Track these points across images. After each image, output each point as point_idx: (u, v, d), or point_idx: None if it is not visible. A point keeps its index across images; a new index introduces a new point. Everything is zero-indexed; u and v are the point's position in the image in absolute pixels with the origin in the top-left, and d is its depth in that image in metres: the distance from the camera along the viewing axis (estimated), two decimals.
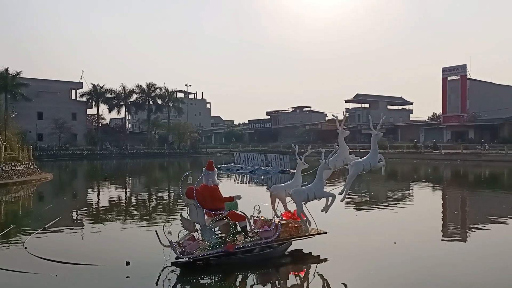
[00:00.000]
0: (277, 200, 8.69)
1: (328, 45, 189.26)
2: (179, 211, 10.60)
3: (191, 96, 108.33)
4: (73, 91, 75.02)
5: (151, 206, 16.75)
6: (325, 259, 7.92)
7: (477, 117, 62.73)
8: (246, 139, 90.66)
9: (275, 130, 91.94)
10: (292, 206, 8.51)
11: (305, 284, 7.07)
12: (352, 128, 62.10)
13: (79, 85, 74.29)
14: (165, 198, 19.66)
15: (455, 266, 7.73)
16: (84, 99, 73.47)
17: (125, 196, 20.17)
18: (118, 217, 13.93)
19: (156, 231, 7.66)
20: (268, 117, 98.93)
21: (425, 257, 8.19)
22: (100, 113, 76.66)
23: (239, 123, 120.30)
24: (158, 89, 74.81)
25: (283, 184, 9.05)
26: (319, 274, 7.33)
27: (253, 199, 8.65)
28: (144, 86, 73.83)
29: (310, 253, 8.23)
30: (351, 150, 9.48)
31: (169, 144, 73.94)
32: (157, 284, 6.72)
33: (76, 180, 32.06)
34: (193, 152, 70.44)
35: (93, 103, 73.45)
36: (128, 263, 7.38)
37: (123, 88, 72.23)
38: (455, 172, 34.27)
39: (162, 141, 77.78)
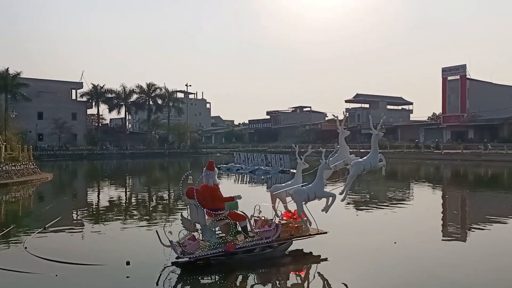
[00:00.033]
0: (278, 200, 8.70)
1: (328, 45, 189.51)
2: (179, 211, 10.59)
3: (191, 96, 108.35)
4: (73, 91, 75.04)
5: (151, 206, 16.75)
6: (326, 259, 7.93)
7: (477, 117, 62.75)
8: (246, 139, 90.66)
9: (275, 130, 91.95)
10: (292, 206, 8.51)
11: (305, 284, 7.07)
12: (352, 128, 62.07)
13: (79, 85, 74.31)
14: (165, 198, 19.67)
15: (455, 266, 7.73)
16: (84, 99, 73.48)
17: (125, 196, 20.17)
18: (118, 217, 13.94)
19: (156, 231, 7.67)
20: (268, 117, 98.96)
21: (425, 257, 8.19)
22: (100, 113, 76.72)
23: (239, 123, 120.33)
24: (158, 89, 74.88)
25: (283, 184, 9.05)
26: (319, 274, 7.34)
27: (253, 199, 8.65)
28: (144, 86, 73.95)
29: (311, 253, 8.23)
30: (351, 150, 9.48)
31: (169, 144, 73.95)
32: (157, 284, 6.72)
33: (76, 180, 32.06)
34: (193, 152, 70.47)
35: (93, 103, 73.45)
36: (128, 263, 7.38)
37: (123, 88, 72.34)
38: (455, 172, 34.27)
39: (162, 141, 77.80)
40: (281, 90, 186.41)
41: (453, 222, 12.85)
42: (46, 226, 10.89)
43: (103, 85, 71.84)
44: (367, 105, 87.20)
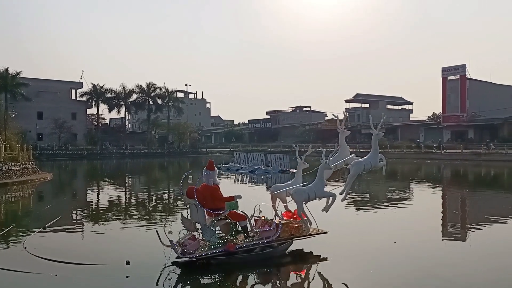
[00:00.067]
0: (278, 199, 8.69)
1: (328, 45, 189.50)
2: (180, 210, 10.59)
3: (191, 96, 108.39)
4: (73, 91, 75.03)
5: (151, 206, 16.73)
6: (326, 259, 7.92)
7: (477, 117, 62.77)
8: (246, 139, 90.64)
9: (275, 130, 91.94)
10: (292, 206, 8.50)
11: (305, 284, 7.06)
12: (352, 128, 62.07)
13: (79, 85, 74.29)
14: (165, 198, 19.66)
15: (455, 266, 7.73)
16: (84, 99, 73.48)
17: (125, 196, 20.17)
18: (118, 217, 13.93)
19: (156, 231, 7.67)
20: (268, 117, 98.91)
21: (425, 257, 8.18)
22: (100, 113, 76.84)
23: (239, 123, 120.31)
24: (158, 89, 74.91)
25: (283, 184, 9.05)
26: (319, 274, 7.33)
27: (253, 199, 8.64)
28: (144, 86, 73.96)
29: (311, 252, 8.23)
30: (351, 150, 9.47)
31: (169, 144, 73.95)
32: (157, 283, 6.71)
33: (76, 180, 32.04)
34: (193, 152, 70.49)
35: (93, 103, 73.49)
36: (128, 263, 7.37)
37: (123, 88, 72.38)
38: (455, 172, 34.27)
39: (162, 141, 77.79)
40: (281, 90, 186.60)
41: (453, 222, 12.84)
42: (46, 226, 10.88)
43: (103, 85, 72.02)
44: (367, 105, 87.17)
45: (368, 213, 13.78)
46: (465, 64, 63.58)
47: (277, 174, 28.57)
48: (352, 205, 14.84)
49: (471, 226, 11.70)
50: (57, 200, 18.65)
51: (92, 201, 18.27)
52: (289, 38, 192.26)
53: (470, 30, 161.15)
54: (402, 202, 16.69)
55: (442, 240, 10.18)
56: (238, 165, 33.70)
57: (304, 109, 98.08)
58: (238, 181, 26.29)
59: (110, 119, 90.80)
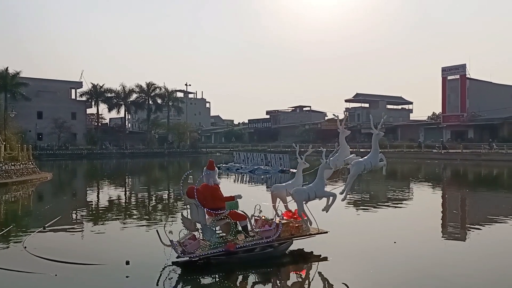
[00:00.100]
0: (278, 199, 8.69)
1: (328, 45, 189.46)
2: (180, 210, 10.59)
3: (190, 95, 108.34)
4: (73, 90, 75.00)
5: (151, 206, 16.73)
6: (326, 259, 7.92)
7: (477, 116, 62.78)
8: (246, 139, 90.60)
9: (274, 129, 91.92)
10: (293, 206, 8.50)
11: (305, 284, 7.06)
12: (352, 128, 62.09)
13: (79, 84, 74.26)
14: (165, 197, 19.65)
15: (455, 266, 7.72)
16: (83, 98, 73.47)
17: (125, 195, 20.16)
18: (118, 217, 13.93)
19: (157, 230, 7.67)
20: (268, 116, 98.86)
21: (425, 257, 8.19)
22: (99, 113, 76.82)
23: (239, 123, 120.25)
24: (157, 89, 74.90)
25: (284, 184, 9.05)
26: (319, 274, 7.33)
27: (253, 199, 8.65)
28: (144, 86, 73.97)
29: (311, 252, 8.23)
30: (351, 150, 9.47)
31: (168, 144, 73.93)
32: (157, 283, 6.70)
33: (75, 179, 32.03)
34: (192, 151, 70.48)
35: (93, 103, 73.50)
36: (127, 263, 7.37)
37: (123, 87, 72.39)
38: (455, 172, 34.28)
39: (161, 140, 77.78)
40: (281, 90, 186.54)
41: (453, 222, 12.84)
42: (46, 225, 10.87)
43: (103, 85, 72.02)
44: (367, 105, 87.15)
45: (368, 213, 13.78)
46: (465, 64, 63.63)
47: (277, 174, 28.56)
48: (352, 205, 14.84)
49: (471, 226, 11.70)
50: (57, 200, 18.65)
51: (92, 201, 18.26)
52: (289, 38, 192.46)
53: (470, 30, 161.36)
54: (402, 202, 16.70)
55: (442, 240, 10.18)
56: (238, 165, 33.69)
57: (304, 109, 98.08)
58: (238, 181, 26.29)
59: (110, 118, 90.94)
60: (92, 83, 72.22)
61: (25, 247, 8.70)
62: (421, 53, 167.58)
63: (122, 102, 72.63)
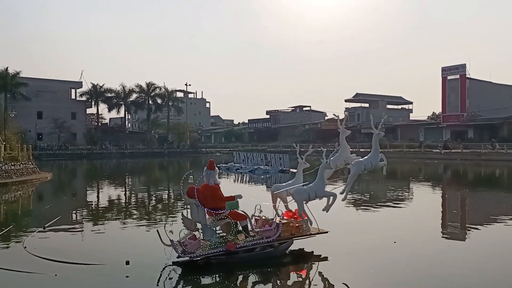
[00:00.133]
0: (278, 199, 8.69)
1: (328, 45, 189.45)
2: (180, 210, 10.59)
3: (190, 95, 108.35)
4: (73, 90, 74.99)
5: (151, 206, 16.73)
6: (326, 258, 7.92)
7: (477, 116, 62.77)
8: (246, 139, 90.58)
9: (274, 129, 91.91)
10: (293, 206, 8.50)
11: (306, 283, 7.06)
12: (352, 128, 62.06)
13: (79, 84, 74.25)
14: (165, 197, 19.65)
15: (454, 266, 7.72)
16: (83, 98, 73.45)
17: (125, 195, 20.16)
18: (118, 217, 13.93)
19: (157, 230, 7.67)
20: (268, 116, 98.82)
21: (425, 257, 8.18)
22: (99, 113, 76.81)
23: (239, 123, 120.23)
24: (157, 89, 74.91)
25: (284, 184, 9.05)
26: (320, 273, 7.32)
27: (254, 199, 8.65)
28: (144, 86, 73.97)
29: (311, 252, 8.23)
30: (351, 150, 9.48)
31: (168, 144, 73.93)
32: (158, 283, 6.70)
33: (75, 179, 32.03)
34: (192, 151, 70.47)
35: (93, 103, 73.48)
36: (127, 263, 7.37)
37: (123, 87, 72.39)
38: (455, 172, 34.28)
39: (161, 140, 77.77)
40: (281, 90, 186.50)
41: (453, 222, 12.84)
42: (46, 225, 10.87)
43: (103, 85, 72.01)
44: (367, 105, 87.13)
45: (368, 212, 13.79)
46: (465, 64, 63.62)
47: (277, 174, 28.56)
48: (353, 205, 14.84)
49: (471, 226, 11.69)
50: (57, 200, 18.64)
51: (92, 201, 18.26)
52: (289, 38, 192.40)
53: (470, 30, 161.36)
54: (402, 201, 16.70)
55: (442, 239, 10.18)
56: (238, 164, 33.69)
57: (304, 108, 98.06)
58: (238, 181, 26.29)
59: (110, 118, 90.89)
60: (92, 83, 72.36)
61: (25, 247, 8.70)
62: (421, 53, 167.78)
63: (122, 102, 72.62)
